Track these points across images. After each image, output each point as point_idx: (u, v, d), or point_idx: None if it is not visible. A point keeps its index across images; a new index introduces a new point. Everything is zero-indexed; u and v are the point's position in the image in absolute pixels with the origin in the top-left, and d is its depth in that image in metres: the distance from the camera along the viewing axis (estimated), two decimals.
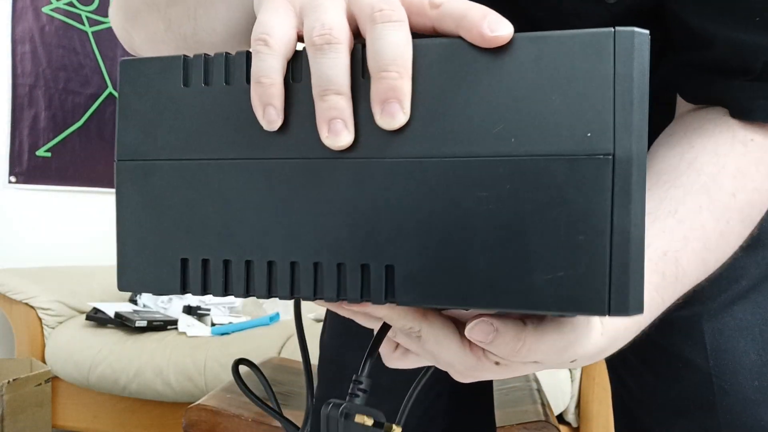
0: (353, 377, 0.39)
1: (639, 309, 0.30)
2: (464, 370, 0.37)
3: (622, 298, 0.30)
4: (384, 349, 0.41)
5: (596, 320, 0.38)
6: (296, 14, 0.33)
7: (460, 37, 0.31)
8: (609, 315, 0.30)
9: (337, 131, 0.31)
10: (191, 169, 0.35)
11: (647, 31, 0.30)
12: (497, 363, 0.37)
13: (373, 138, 0.32)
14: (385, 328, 0.39)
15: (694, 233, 0.44)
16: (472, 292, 0.31)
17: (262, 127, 0.33)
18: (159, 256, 0.36)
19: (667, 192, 0.45)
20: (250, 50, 0.33)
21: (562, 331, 0.34)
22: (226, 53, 0.35)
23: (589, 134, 0.30)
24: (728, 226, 0.46)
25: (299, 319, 0.47)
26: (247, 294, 0.35)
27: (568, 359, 0.37)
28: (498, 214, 0.30)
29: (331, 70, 0.31)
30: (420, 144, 0.31)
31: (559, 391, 1.80)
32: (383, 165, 0.32)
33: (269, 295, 0.35)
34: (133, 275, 0.36)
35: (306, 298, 0.34)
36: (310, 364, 0.48)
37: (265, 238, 0.34)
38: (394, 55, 0.30)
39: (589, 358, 0.39)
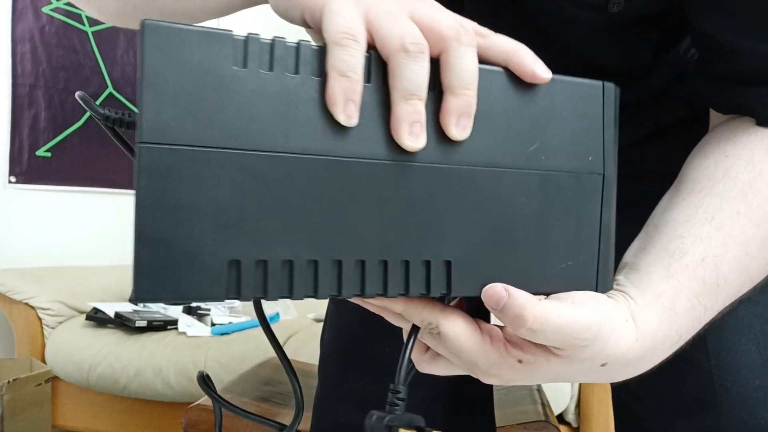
0: (390, 386, 0.37)
1: (611, 287, 0.40)
2: (487, 367, 0.37)
3: (605, 278, 0.40)
4: (415, 354, 0.41)
5: (624, 319, 0.38)
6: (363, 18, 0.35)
7: (503, 68, 0.37)
8: (597, 291, 0.39)
9: (417, 134, 0.34)
10: (246, 160, 0.32)
11: (616, 86, 0.40)
12: (520, 361, 0.37)
13: (433, 146, 0.35)
14: (415, 330, 0.39)
15: (733, 239, 0.43)
16: (510, 279, 0.37)
17: (326, 123, 0.33)
18: (199, 259, 0.31)
19: (702, 200, 0.45)
20: (309, 42, 0.33)
21: (578, 313, 0.36)
22: (299, 41, 0.33)
23: (590, 158, 0.39)
24: None
25: (265, 322, 0.44)
26: (315, 294, 0.34)
27: (598, 361, 0.37)
28: (531, 216, 0.37)
29: (420, 77, 0.34)
30: (473, 155, 0.36)
31: (559, 391, 1.80)
32: (443, 171, 0.36)
33: (339, 294, 0.34)
34: (159, 282, 0.31)
35: (369, 296, 0.35)
36: (289, 362, 0.45)
37: (331, 236, 0.34)
38: (474, 76, 0.35)
39: (624, 366, 0.38)
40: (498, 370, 0.37)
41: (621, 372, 0.39)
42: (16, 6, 2.38)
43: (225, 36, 0.31)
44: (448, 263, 0.36)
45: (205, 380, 0.48)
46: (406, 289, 0.35)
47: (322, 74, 0.33)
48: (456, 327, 0.36)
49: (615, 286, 0.41)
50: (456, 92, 0.34)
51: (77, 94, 0.36)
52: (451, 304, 0.39)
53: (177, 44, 0.30)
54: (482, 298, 0.36)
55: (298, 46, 0.33)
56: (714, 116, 0.54)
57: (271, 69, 0.32)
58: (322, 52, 0.33)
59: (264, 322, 0.43)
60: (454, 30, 0.34)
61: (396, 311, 0.38)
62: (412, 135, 0.34)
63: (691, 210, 0.45)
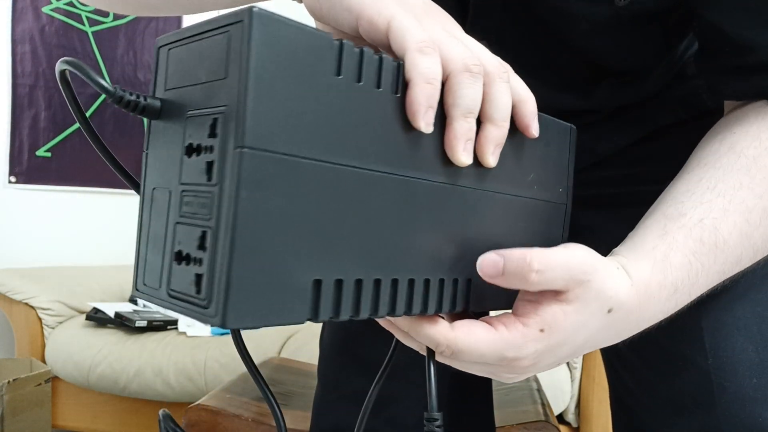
0: (425, 415, 0.38)
1: None
2: (515, 355, 0.37)
3: None
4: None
5: (615, 267, 0.39)
6: None
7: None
8: None
9: (470, 150, 0.36)
10: (336, 175, 0.30)
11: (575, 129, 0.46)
12: (542, 330, 0.37)
13: (468, 171, 0.37)
14: (431, 354, 0.39)
15: (734, 206, 0.44)
16: (510, 295, 0.39)
17: (400, 141, 0.33)
18: (290, 278, 0.29)
19: (706, 172, 0.46)
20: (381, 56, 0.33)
21: (573, 251, 0.37)
22: (381, 55, 0.33)
23: (560, 189, 0.45)
24: None
25: (243, 348, 0.41)
26: (375, 314, 0.33)
27: (604, 304, 0.37)
28: (525, 238, 0.42)
29: (478, 97, 0.36)
30: (492, 181, 0.39)
31: (559, 391, 1.80)
32: (473, 195, 0.38)
33: (393, 313, 0.34)
34: (254, 304, 0.28)
35: (413, 314, 0.36)
36: (265, 383, 0.42)
37: (394, 255, 0.34)
38: (510, 110, 0.37)
39: (627, 313, 0.39)
40: (527, 351, 0.37)
41: (626, 322, 0.40)
42: (16, 6, 2.38)
43: (327, 39, 0.30)
44: (469, 281, 0.38)
45: (169, 418, 0.47)
46: (439, 307, 0.37)
47: (399, 90, 0.33)
48: (469, 336, 0.36)
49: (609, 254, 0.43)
50: (497, 124, 0.36)
51: (66, 60, 0.32)
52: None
53: (286, 41, 0.28)
54: (480, 273, 0.36)
55: (381, 58, 0.33)
56: (727, 105, 0.55)
57: (359, 80, 0.31)
58: (400, 68, 0.34)
59: (242, 348, 0.41)
60: (497, 65, 0.37)
61: (403, 329, 0.38)
62: (466, 151, 0.36)
63: (694, 180, 0.46)
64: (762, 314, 0.57)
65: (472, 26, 0.55)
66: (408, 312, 0.35)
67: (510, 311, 0.39)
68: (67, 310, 2.12)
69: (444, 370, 0.42)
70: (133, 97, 0.31)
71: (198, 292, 0.28)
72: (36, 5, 2.42)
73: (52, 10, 2.46)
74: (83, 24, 2.54)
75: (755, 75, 0.49)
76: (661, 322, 0.43)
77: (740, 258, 0.45)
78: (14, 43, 2.37)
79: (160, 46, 0.33)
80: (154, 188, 0.33)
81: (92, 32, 2.57)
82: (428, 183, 0.35)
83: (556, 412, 1.80)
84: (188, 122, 0.30)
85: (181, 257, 0.30)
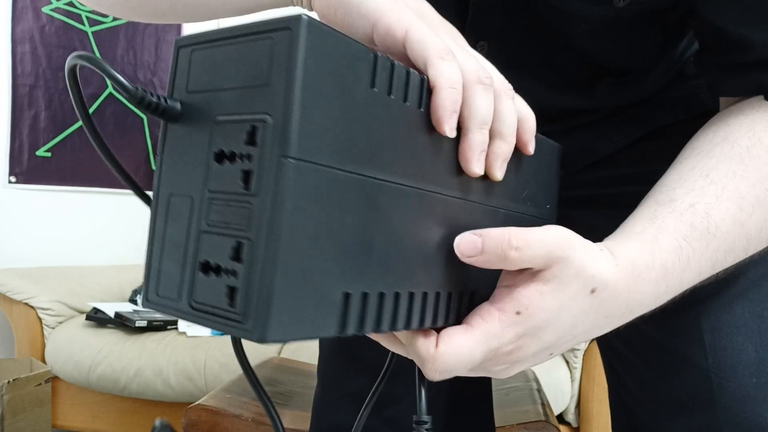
0: (414, 418, 0.37)
1: None
2: (498, 344, 0.36)
3: None
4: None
5: (599, 249, 0.38)
6: None
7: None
8: None
9: (483, 162, 0.37)
10: (370, 188, 0.30)
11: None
12: (518, 313, 0.36)
13: (475, 185, 0.38)
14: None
15: (727, 194, 0.43)
16: None
17: (422, 155, 0.34)
18: (325, 291, 0.29)
19: (699, 161, 0.46)
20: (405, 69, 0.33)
21: (552, 228, 0.36)
22: (408, 69, 0.33)
23: (548, 206, 0.47)
24: (766, 193, 0.45)
25: (244, 359, 0.40)
26: (393, 327, 0.33)
27: (586, 284, 0.36)
28: None
29: (491, 109, 0.36)
30: (494, 197, 0.40)
31: (559, 391, 1.80)
32: (478, 209, 0.38)
33: (408, 326, 0.34)
34: (294, 317, 0.27)
35: (419, 327, 0.35)
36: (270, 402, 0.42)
37: (413, 268, 0.34)
38: (516, 126, 0.38)
39: (614, 295, 0.38)
40: (507, 337, 0.36)
41: (614, 305, 0.38)
42: (16, 6, 2.38)
43: (364, 50, 0.30)
44: (473, 294, 0.38)
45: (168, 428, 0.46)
46: (445, 320, 0.37)
47: (423, 105, 0.34)
48: (450, 348, 0.35)
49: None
50: (505, 139, 0.37)
51: (80, 55, 0.31)
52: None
53: (330, 50, 0.28)
54: (458, 253, 0.36)
55: (408, 72, 0.33)
56: (723, 102, 0.55)
57: (390, 94, 0.31)
58: (424, 82, 0.34)
59: (240, 352, 0.40)
60: (503, 82, 0.37)
61: (403, 341, 0.38)
62: (480, 162, 0.36)
63: (687, 168, 0.46)
64: (761, 314, 0.57)
65: (472, 27, 0.55)
66: (421, 325, 0.35)
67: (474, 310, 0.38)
68: (67, 310, 2.12)
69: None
70: (155, 99, 0.30)
71: (231, 305, 0.27)
72: (36, 5, 2.42)
73: (52, 10, 2.46)
74: (83, 24, 2.54)
75: (752, 72, 0.49)
76: (654, 311, 0.42)
77: (733, 246, 0.44)
78: (14, 43, 2.37)
79: (181, 47, 0.32)
80: (170, 194, 0.31)
81: (92, 32, 2.57)
82: (442, 197, 0.35)
83: (556, 412, 1.80)
84: (217, 128, 0.29)
85: (208, 268, 0.29)
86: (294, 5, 0.44)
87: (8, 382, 1.69)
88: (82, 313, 2.14)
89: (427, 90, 0.34)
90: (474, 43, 0.55)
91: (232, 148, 0.28)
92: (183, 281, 0.30)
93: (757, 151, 0.45)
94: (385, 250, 0.32)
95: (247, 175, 0.27)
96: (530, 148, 0.40)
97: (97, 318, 2.04)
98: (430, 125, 0.34)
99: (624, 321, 0.40)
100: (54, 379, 1.94)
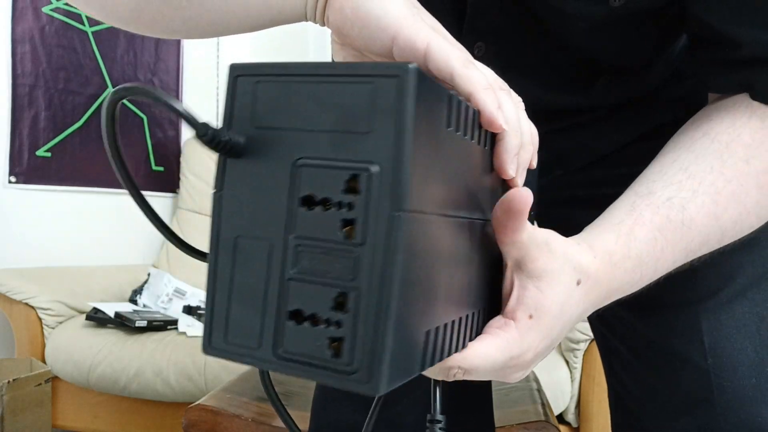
0: (428, 417, 0.38)
1: None
2: (521, 350, 0.37)
3: None
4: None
5: (576, 243, 0.40)
6: None
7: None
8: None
9: (516, 165, 0.38)
10: (444, 226, 0.31)
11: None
12: (531, 317, 0.37)
13: (489, 204, 0.37)
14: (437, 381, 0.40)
15: (703, 188, 0.45)
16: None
17: (473, 186, 0.35)
18: (413, 333, 0.28)
19: (680, 155, 0.48)
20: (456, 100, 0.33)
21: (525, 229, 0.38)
22: (467, 104, 0.33)
23: (532, 213, 0.44)
24: (742, 189, 0.46)
25: (272, 389, 0.40)
26: (441, 358, 0.33)
27: (572, 275, 0.38)
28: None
29: (517, 116, 0.38)
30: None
31: (559, 391, 1.80)
32: (487, 225, 0.38)
33: (457, 349, 0.35)
34: (394, 367, 0.27)
35: (461, 348, 0.36)
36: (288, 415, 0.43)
37: (464, 295, 0.34)
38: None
39: (597, 283, 0.40)
40: (528, 343, 0.37)
41: (597, 293, 0.40)
42: (16, 6, 2.38)
43: (444, 90, 0.30)
44: (482, 310, 0.38)
45: None
46: (473, 335, 0.37)
47: (477, 137, 0.34)
48: (475, 351, 0.36)
49: None
50: (526, 147, 0.38)
51: (129, 88, 0.28)
52: None
53: (426, 96, 0.27)
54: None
55: (468, 107, 0.33)
56: (710, 96, 0.55)
57: (457, 130, 0.31)
58: (476, 115, 0.34)
59: (269, 385, 0.40)
60: (515, 94, 0.39)
61: None
62: (514, 165, 0.37)
63: (668, 162, 0.47)
64: (761, 314, 0.57)
65: (469, 28, 0.55)
66: (462, 347, 0.35)
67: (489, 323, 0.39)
68: (67, 310, 2.12)
69: None
70: (226, 138, 0.28)
71: (337, 356, 0.27)
72: (36, 5, 2.42)
73: (52, 10, 2.46)
74: (83, 24, 2.54)
75: (741, 69, 0.49)
76: (654, 311, 0.45)
77: (707, 238, 0.46)
78: (14, 43, 2.37)
79: (240, 75, 0.30)
80: (237, 236, 0.29)
81: (92, 32, 2.57)
82: (476, 221, 0.36)
83: (556, 412, 1.80)
84: (302, 171, 0.28)
85: (301, 317, 0.28)
86: (307, 20, 0.44)
87: (8, 382, 1.69)
88: (82, 313, 2.14)
89: (478, 121, 0.34)
90: (471, 44, 0.55)
91: (326, 195, 0.27)
92: (265, 330, 0.28)
93: (735, 147, 0.47)
94: (450, 282, 0.32)
95: (347, 224, 0.27)
96: (534, 162, 0.41)
97: (97, 318, 2.04)
98: (476, 149, 0.35)
99: (603, 306, 0.43)
100: (54, 379, 1.94)
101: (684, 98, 0.62)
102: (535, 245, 0.37)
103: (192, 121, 0.28)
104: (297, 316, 0.28)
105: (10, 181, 2.38)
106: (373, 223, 0.26)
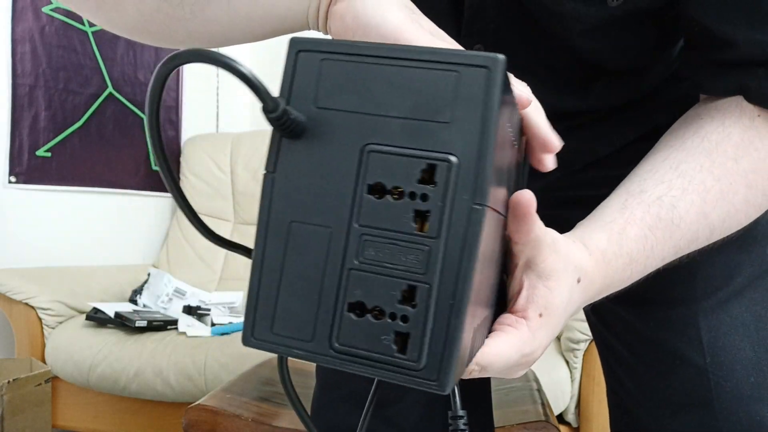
0: (449, 413, 0.37)
1: None
2: (534, 346, 0.38)
3: None
4: None
5: (572, 241, 0.41)
6: None
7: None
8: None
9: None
10: (495, 224, 0.31)
11: None
12: (540, 315, 0.38)
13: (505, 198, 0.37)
14: None
15: (693, 186, 0.46)
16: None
17: (508, 178, 0.35)
18: (469, 331, 0.29)
19: (670, 153, 0.48)
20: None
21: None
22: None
23: None
24: (730, 187, 0.47)
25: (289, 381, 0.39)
26: (473, 355, 0.34)
27: (573, 274, 0.39)
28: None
29: None
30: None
31: (559, 391, 1.80)
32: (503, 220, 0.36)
33: (481, 346, 0.35)
34: (459, 362, 0.27)
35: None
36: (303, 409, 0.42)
37: (490, 293, 0.35)
38: None
39: (593, 280, 0.41)
40: (539, 340, 0.38)
41: (591, 290, 0.42)
42: (16, 6, 2.38)
43: (510, 88, 0.29)
44: (494, 307, 0.38)
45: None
46: (484, 338, 0.37)
47: (518, 140, 0.35)
48: (491, 348, 0.36)
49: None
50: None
51: (197, 52, 0.25)
52: None
53: (506, 92, 0.27)
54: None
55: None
56: (701, 96, 0.55)
57: (511, 128, 0.31)
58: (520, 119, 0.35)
59: (286, 378, 0.39)
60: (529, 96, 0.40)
61: None
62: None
63: (659, 160, 0.48)
64: (759, 313, 0.57)
65: (467, 29, 0.55)
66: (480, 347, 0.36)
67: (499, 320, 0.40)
68: (67, 310, 2.12)
69: None
70: (293, 116, 0.27)
71: (402, 351, 0.26)
72: (36, 5, 2.42)
73: (52, 10, 2.46)
74: (83, 24, 2.54)
75: (735, 72, 0.50)
76: (654, 310, 0.46)
77: (696, 235, 0.47)
78: (14, 43, 2.37)
79: (302, 51, 0.28)
80: (291, 221, 0.28)
81: (92, 32, 2.57)
82: (499, 216, 0.35)
83: (556, 412, 1.80)
84: (372, 157, 0.26)
85: (363, 309, 0.27)
86: (310, 29, 0.45)
87: (8, 382, 1.69)
88: (82, 313, 2.14)
89: (519, 121, 0.35)
90: (470, 45, 0.55)
91: (397, 184, 0.26)
92: (319, 321, 0.27)
93: (725, 147, 0.47)
94: (485, 279, 0.31)
95: (420, 215, 0.26)
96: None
97: (97, 318, 2.04)
98: (514, 150, 0.35)
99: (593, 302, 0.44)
100: (54, 379, 1.94)
101: (682, 99, 0.62)
102: (546, 245, 0.38)
103: (262, 93, 0.26)
104: (358, 308, 0.27)
105: (10, 181, 2.38)
106: (449, 216, 0.25)
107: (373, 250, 0.26)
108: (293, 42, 0.28)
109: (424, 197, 0.26)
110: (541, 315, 0.38)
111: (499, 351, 0.36)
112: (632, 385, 0.62)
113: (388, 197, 0.26)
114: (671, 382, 0.58)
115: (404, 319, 0.26)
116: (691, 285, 0.58)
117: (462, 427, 0.35)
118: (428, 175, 0.26)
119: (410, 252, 0.26)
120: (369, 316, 0.26)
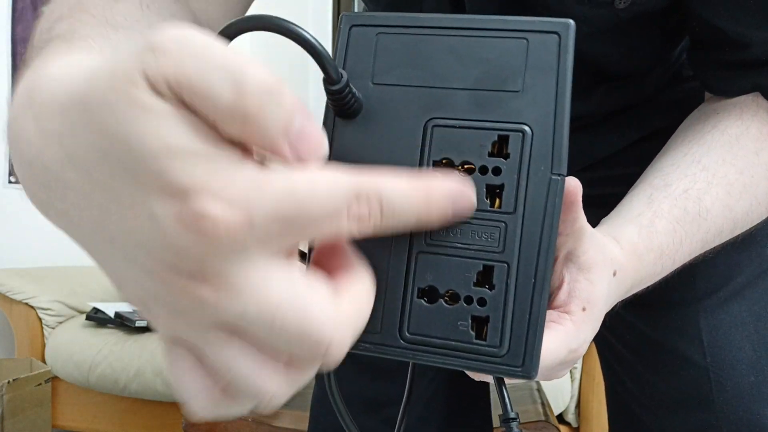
0: (500, 415, 0.36)
1: None
2: (579, 343, 0.37)
3: None
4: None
5: (603, 236, 0.40)
6: None
7: None
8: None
9: None
10: None
11: None
12: (584, 309, 0.37)
13: None
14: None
15: (716, 180, 0.46)
16: None
17: None
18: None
19: (691, 148, 0.48)
20: None
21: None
22: None
23: None
24: (752, 180, 0.47)
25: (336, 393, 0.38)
26: None
27: (610, 266, 0.38)
28: None
29: None
30: None
31: (559, 391, 1.80)
32: None
33: None
34: (540, 348, 0.26)
35: None
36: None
37: None
38: None
39: (627, 275, 0.40)
40: (584, 335, 0.37)
41: (624, 285, 0.41)
42: (16, 6, 2.38)
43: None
44: None
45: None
46: None
47: None
48: (543, 350, 0.36)
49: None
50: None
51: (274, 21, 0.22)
52: None
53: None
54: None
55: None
56: (707, 96, 0.55)
57: None
58: None
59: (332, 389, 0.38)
60: None
61: None
62: None
63: (679, 155, 0.48)
64: (759, 313, 0.57)
65: None
66: None
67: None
68: (67, 310, 2.12)
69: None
70: (357, 95, 0.25)
71: (481, 336, 0.25)
72: (36, 5, 2.42)
73: None
74: None
75: (750, 71, 0.49)
76: (653, 309, 0.45)
77: (721, 228, 0.46)
78: (14, 43, 2.37)
79: (355, 26, 0.27)
80: None
81: None
82: None
83: (556, 412, 1.80)
84: (437, 132, 0.25)
85: (435, 295, 0.25)
86: None
87: (8, 382, 1.69)
88: (82, 313, 2.14)
89: None
90: None
91: (467, 158, 0.25)
92: (386, 311, 0.25)
93: (745, 141, 0.47)
94: None
95: (494, 190, 0.24)
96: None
97: (97, 318, 2.04)
98: None
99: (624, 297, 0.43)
100: (54, 379, 1.94)
101: (681, 102, 0.62)
102: (586, 236, 0.36)
103: (326, 61, 0.23)
104: (429, 293, 0.25)
105: (10, 181, 2.38)
106: (525, 189, 0.24)
107: (443, 230, 0.25)
108: (345, 18, 0.27)
109: (497, 171, 0.24)
110: (584, 309, 0.37)
111: (547, 348, 0.34)
112: (632, 384, 0.62)
113: (458, 173, 0.25)
114: (671, 382, 0.58)
115: (481, 302, 0.24)
116: (691, 285, 0.58)
117: (516, 430, 0.33)
118: (499, 148, 0.24)
119: (484, 230, 0.24)
120: (442, 301, 0.25)
